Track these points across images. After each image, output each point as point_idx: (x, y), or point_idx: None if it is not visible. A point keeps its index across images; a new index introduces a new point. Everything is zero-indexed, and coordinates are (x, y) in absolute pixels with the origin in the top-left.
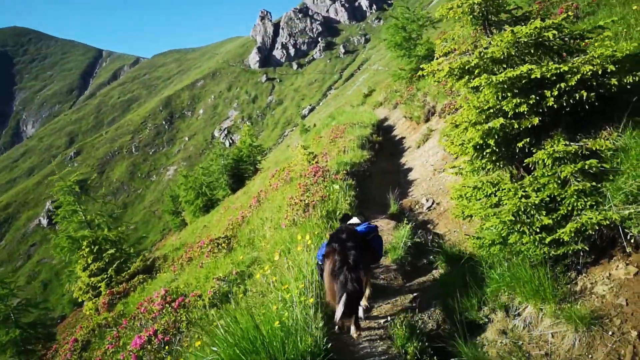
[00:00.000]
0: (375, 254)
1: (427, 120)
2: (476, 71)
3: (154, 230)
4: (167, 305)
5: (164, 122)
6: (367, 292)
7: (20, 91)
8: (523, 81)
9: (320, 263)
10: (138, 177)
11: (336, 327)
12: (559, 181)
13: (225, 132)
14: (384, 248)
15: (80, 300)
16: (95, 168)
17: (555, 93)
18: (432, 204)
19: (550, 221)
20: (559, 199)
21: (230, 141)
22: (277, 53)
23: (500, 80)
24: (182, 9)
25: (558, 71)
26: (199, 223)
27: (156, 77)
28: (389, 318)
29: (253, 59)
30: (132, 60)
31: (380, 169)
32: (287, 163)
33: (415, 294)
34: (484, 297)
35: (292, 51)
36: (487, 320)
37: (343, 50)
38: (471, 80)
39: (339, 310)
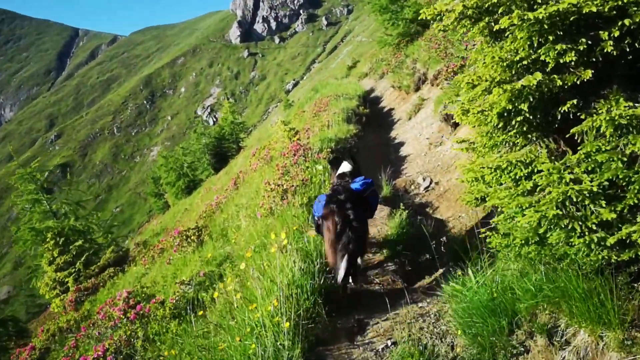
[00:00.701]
0: (371, 209)
1: (418, 89)
2: (500, 9)
3: (141, 211)
4: (129, 309)
5: (145, 102)
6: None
7: None
8: (571, 18)
9: (316, 219)
10: (121, 159)
11: (340, 289)
12: (625, 159)
13: (209, 110)
14: (385, 233)
15: (47, 297)
16: (78, 151)
17: (616, 34)
18: (430, 183)
19: (614, 215)
20: (624, 184)
21: (214, 119)
22: (259, 27)
23: (539, 18)
24: None
25: (620, 2)
26: (180, 206)
27: (135, 56)
28: (388, 343)
29: (234, 33)
30: (110, 39)
31: (368, 144)
32: (268, 141)
33: (420, 305)
34: (517, 317)
35: (273, 24)
36: (522, 349)
37: (326, 22)
38: (491, 24)
39: (342, 272)
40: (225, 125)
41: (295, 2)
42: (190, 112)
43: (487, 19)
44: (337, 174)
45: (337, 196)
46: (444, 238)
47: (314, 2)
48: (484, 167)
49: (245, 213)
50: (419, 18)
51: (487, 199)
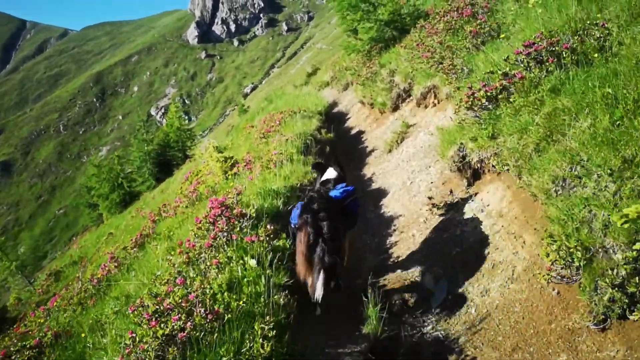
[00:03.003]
0: (352, 219)
1: (396, 108)
2: None
3: (86, 216)
4: None
5: (95, 100)
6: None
7: None
8: None
9: (293, 227)
10: (67, 158)
11: (317, 308)
12: None
13: (163, 110)
14: None
15: None
16: (20, 148)
17: None
18: (448, 295)
19: None
20: None
21: None
22: (217, 28)
23: None
24: None
25: None
26: (105, 227)
27: (86, 51)
28: None
29: (191, 34)
30: (60, 33)
31: None
32: (198, 169)
33: None
34: None
35: (232, 27)
36: None
37: (286, 28)
38: None
39: (319, 289)
40: (170, 132)
41: (256, 5)
42: (143, 112)
43: None
44: (320, 180)
45: (310, 204)
46: None
47: (274, 7)
48: None
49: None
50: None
51: None
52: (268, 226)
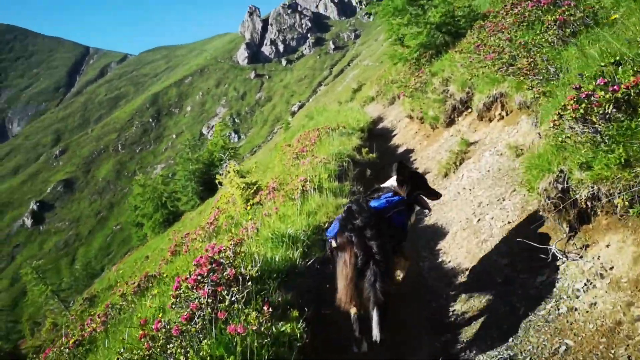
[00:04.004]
0: (398, 231)
1: (451, 122)
2: None
3: (134, 235)
4: None
5: (150, 120)
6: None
7: (5, 89)
8: None
9: (329, 243)
10: (124, 176)
11: (363, 344)
12: None
13: (223, 126)
14: None
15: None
16: (81, 167)
17: None
18: None
19: None
20: None
21: None
22: (266, 49)
23: None
24: (169, 6)
25: None
26: (144, 250)
27: (143, 74)
28: None
29: (241, 55)
30: (120, 57)
31: None
32: (223, 196)
33: None
34: None
35: (281, 47)
36: None
37: (333, 46)
38: None
39: (375, 331)
40: (215, 150)
41: (304, 26)
42: (195, 131)
43: None
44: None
45: (352, 221)
46: None
47: (321, 27)
48: None
49: None
50: None
51: None
52: (265, 307)
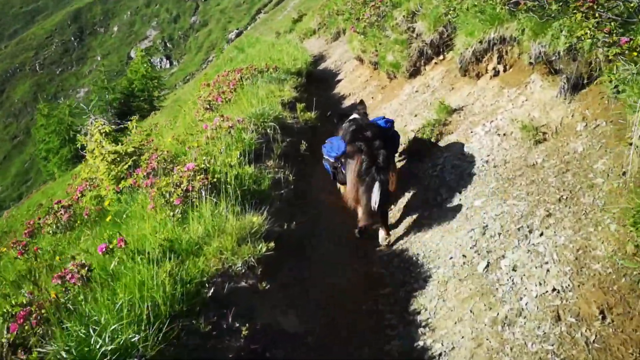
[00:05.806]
0: (395, 146)
1: (416, 72)
2: None
3: (43, 169)
4: None
5: (72, 38)
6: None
7: None
8: None
9: (333, 161)
10: (43, 99)
11: (357, 230)
12: None
13: (143, 53)
14: None
15: None
16: None
17: None
18: None
19: None
20: None
21: (149, 64)
22: None
23: None
24: None
25: None
26: (38, 196)
27: None
28: None
29: None
30: None
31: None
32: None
33: None
34: None
35: None
36: None
37: None
38: None
39: (375, 196)
40: (135, 79)
41: None
42: (122, 54)
43: None
44: (345, 122)
45: (363, 132)
46: None
47: None
48: None
49: None
50: None
51: None
52: None
